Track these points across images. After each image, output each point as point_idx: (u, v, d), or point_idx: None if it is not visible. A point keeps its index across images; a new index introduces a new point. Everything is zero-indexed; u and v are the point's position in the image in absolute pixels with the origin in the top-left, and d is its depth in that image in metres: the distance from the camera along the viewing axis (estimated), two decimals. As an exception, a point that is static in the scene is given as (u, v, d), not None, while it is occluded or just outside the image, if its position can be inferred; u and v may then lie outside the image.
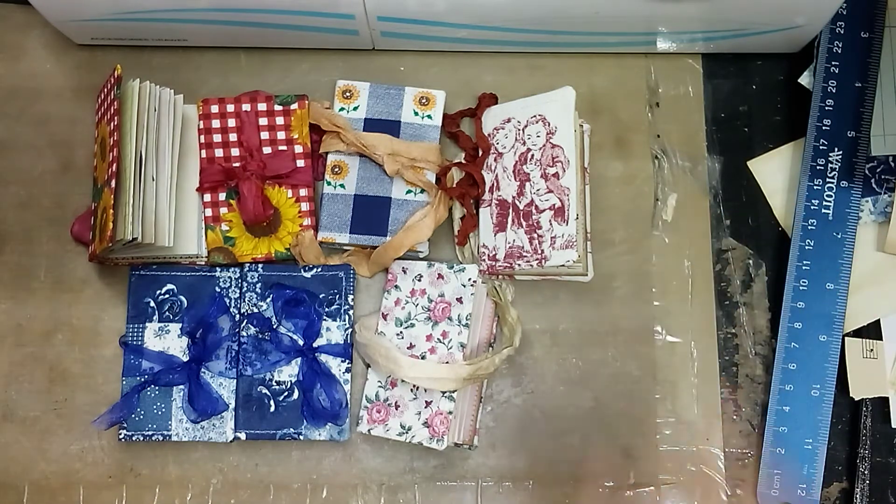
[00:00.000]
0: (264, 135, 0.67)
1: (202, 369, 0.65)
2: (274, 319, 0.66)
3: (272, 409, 0.65)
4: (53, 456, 0.66)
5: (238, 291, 0.67)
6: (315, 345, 0.66)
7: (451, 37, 0.69)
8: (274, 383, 0.65)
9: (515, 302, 0.68)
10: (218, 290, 0.67)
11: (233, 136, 0.67)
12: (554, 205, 0.64)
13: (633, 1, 0.63)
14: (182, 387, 0.65)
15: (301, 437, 0.65)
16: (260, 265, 0.67)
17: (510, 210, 0.66)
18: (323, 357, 0.66)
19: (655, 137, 0.71)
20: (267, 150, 0.67)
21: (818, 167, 0.68)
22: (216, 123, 0.67)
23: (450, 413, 0.63)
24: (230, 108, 0.67)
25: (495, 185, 0.67)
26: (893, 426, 0.66)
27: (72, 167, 0.70)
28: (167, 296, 0.67)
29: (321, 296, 0.66)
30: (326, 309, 0.66)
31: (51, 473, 0.66)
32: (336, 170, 0.68)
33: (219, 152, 0.67)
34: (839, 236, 0.67)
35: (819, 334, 0.66)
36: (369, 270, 0.68)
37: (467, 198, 0.67)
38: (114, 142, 0.62)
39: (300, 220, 0.67)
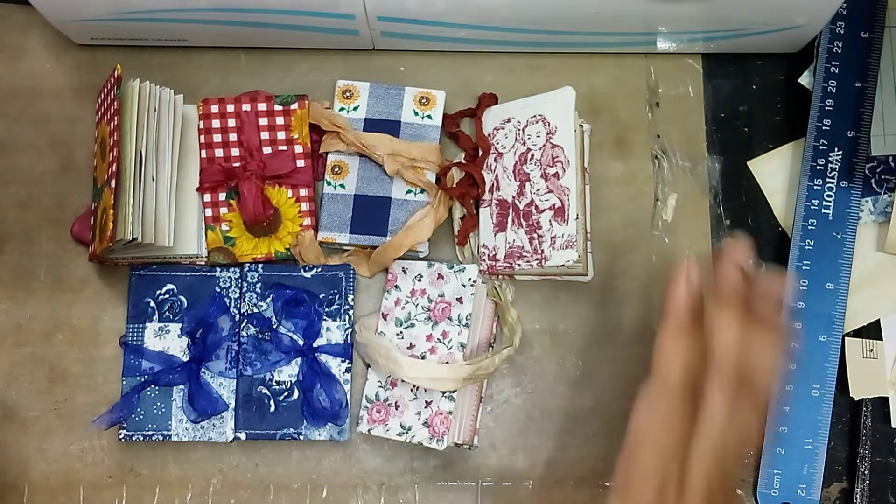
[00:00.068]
0: (264, 135, 0.67)
1: (202, 369, 0.65)
2: (274, 319, 0.66)
3: (272, 409, 0.65)
4: (53, 456, 0.66)
5: (238, 291, 0.67)
6: (315, 345, 0.66)
7: (451, 37, 0.69)
8: (274, 383, 0.65)
9: (515, 302, 0.68)
10: (218, 290, 0.67)
11: (233, 136, 0.67)
12: (554, 205, 0.64)
13: (633, 1, 0.63)
14: (182, 387, 0.65)
15: (301, 437, 0.65)
16: (260, 265, 0.67)
17: (510, 210, 0.66)
18: (323, 357, 0.66)
19: (655, 137, 0.71)
20: (267, 150, 0.67)
21: (818, 167, 0.68)
22: (216, 123, 0.67)
23: (450, 413, 0.63)
24: (230, 108, 0.67)
25: (495, 185, 0.67)
26: (893, 426, 0.66)
27: (72, 167, 0.70)
28: (167, 296, 0.67)
29: (321, 296, 0.66)
30: (326, 309, 0.66)
31: (51, 473, 0.66)
32: (336, 170, 0.68)
33: (219, 152, 0.67)
34: (839, 236, 0.67)
35: (819, 334, 0.66)
36: (369, 270, 0.68)
37: (467, 198, 0.67)
38: (114, 142, 0.62)
39: (300, 220, 0.67)
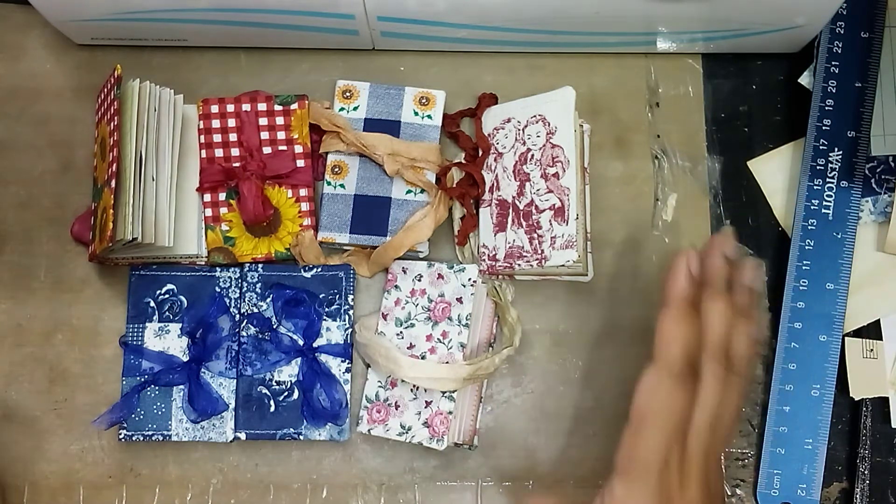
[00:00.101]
0: (264, 135, 0.67)
1: (202, 369, 0.65)
2: (274, 319, 0.66)
3: (272, 409, 0.65)
4: (53, 456, 0.66)
5: (238, 291, 0.67)
6: (315, 345, 0.66)
7: (451, 37, 0.69)
8: (274, 383, 0.65)
9: (515, 302, 0.68)
10: (218, 290, 0.67)
11: (233, 136, 0.67)
12: (554, 205, 0.64)
13: (633, 1, 0.63)
14: (182, 387, 0.65)
15: (301, 437, 0.65)
16: (260, 265, 0.67)
17: (510, 210, 0.66)
18: (323, 357, 0.66)
19: (655, 137, 0.71)
20: (267, 150, 0.67)
21: (818, 167, 0.68)
22: (216, 123, 0.67)
23: (450, 413, 0.63)
24: (230, 108, 0.67)
25: (495, 185, 0.67)
26: (893, 426, 0.66)
27: (72, 167, 0.70)
28: (167, 296, 0.67)
29: (321, 296, 0.66)
30: (326, 309, 0.66)
31: (51, 473, 0.66)
32: (336, 170, 0.68)
33: (219, 152, 0.67)
34: (839, 236, 0.67)
35: (819, 334, 0.66)
36: (369, 270, 0.68)
37: (467, 198, 0.67)
38: (114, 142, 0.62)
39: (300, 220, 0.67)
